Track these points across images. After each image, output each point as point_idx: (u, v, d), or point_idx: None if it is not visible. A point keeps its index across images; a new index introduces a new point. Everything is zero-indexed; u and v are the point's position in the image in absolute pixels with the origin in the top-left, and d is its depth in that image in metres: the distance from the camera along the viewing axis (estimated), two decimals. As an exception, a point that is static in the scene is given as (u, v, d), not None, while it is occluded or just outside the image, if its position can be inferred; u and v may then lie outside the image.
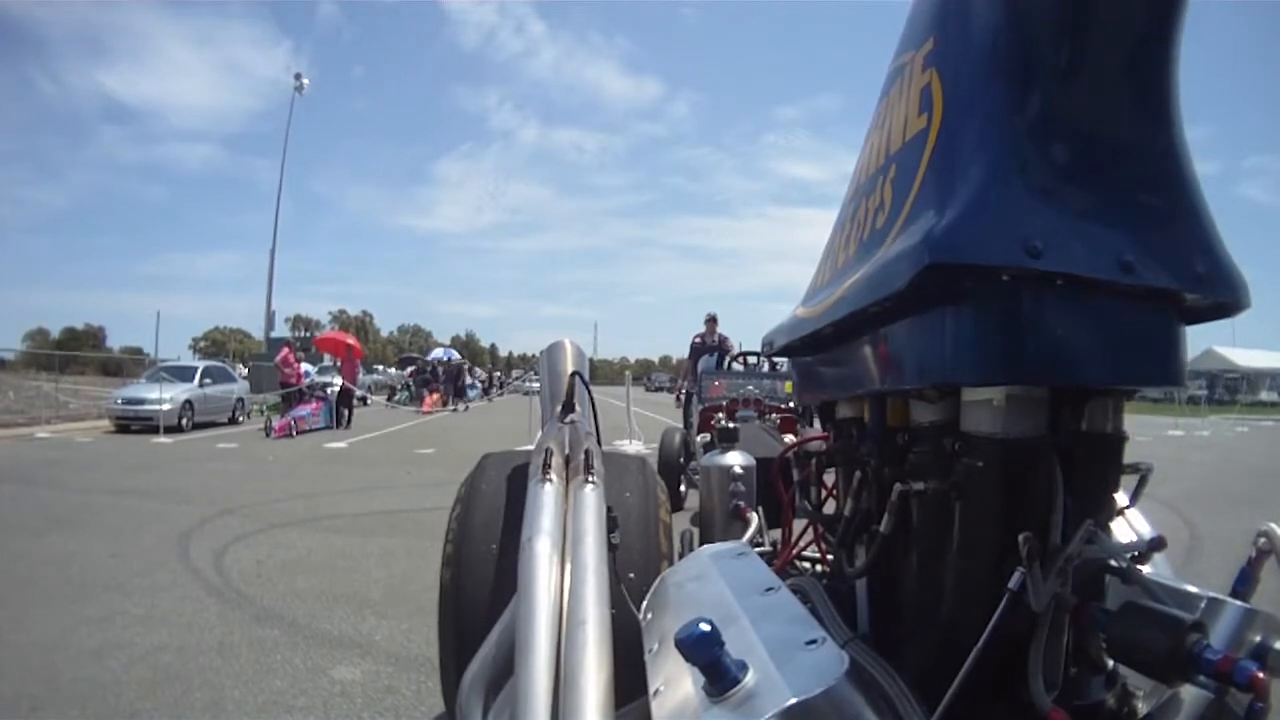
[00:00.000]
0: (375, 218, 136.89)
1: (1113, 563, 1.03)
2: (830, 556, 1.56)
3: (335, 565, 4.32)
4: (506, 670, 1.08)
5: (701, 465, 2.20)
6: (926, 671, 0.97)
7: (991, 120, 0.99)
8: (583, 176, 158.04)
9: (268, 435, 12.66)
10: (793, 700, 0.65)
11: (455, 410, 22.53)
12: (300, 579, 4.00)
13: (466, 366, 30.63)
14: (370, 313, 73.03)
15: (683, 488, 5.64)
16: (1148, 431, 14.74)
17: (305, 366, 16.00)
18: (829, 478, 1.63)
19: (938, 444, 1.09)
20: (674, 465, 5.72)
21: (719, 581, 1.03)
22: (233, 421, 15.56)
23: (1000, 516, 0.99)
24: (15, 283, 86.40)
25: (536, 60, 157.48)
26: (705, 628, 0.71)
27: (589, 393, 1.85)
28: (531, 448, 1.46)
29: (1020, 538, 0.92)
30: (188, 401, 13.96)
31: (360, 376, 22.44)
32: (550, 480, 1.28)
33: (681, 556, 1.62)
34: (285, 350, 15.90)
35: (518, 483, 1.47)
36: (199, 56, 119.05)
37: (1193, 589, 1.11)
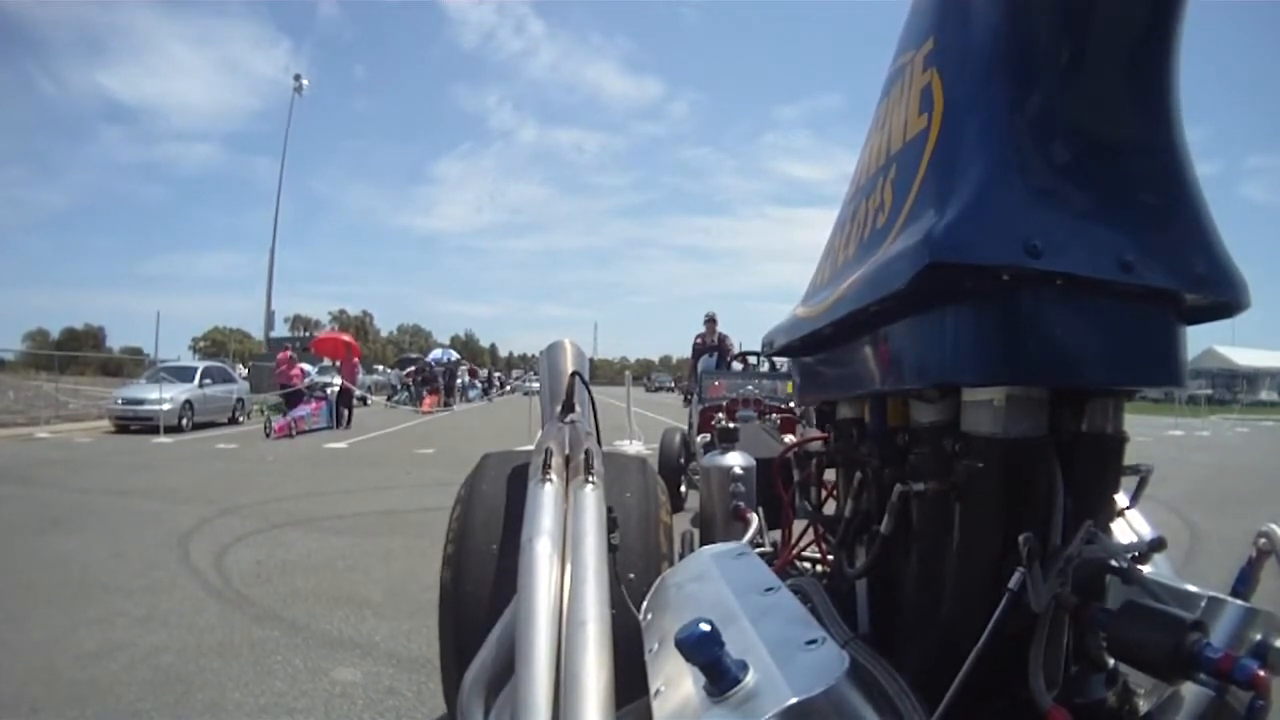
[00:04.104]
0: (375, 217, 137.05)
1: (1113, 563, 1.03)
2: (830, 557, 1.56)
3: (335, 565, 4.32)
4: (507, 671, 1.08)
5: (701, 465, 2.20)
6: (927, 671, 0.97)
7: (992, 120, 0.99)
8: (583, 176, 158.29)
9: (268, 435, 12.66)
10: (793, 700, 0.65)
11: (448, 404, 22.56)
12: (300, 579, 4.00)
13: (465, 367, 30.70)
14: (370, 313, 73.06)
15: (683, 488, 5.64)
16: (1148, 432, 14.74)
17: (304, 366, 16.05)
18: (829, 478, 1.63)
19: (938, 444, 1.09)
20: (674, 465, 5.72)
21: (719, 582, 1.03)
22: (233, 422, 15.57)
23: (1000, 517, 0.99)
24: (15, 283, 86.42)
25: (536, 60, 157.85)
26: (705, 628, 0.71)
27: (589, 393, 1.85)
28: (531, 448, 1.46)
29: (1020, 538, 0.92)
30: (188, 402, 13.98)
31: (360, 376, 22.46)
32: (550, 480, 1.28)
33: (682, 557, 1.62)
34: (287, 354, 16.00)
35: (518, 483, 1.47)
36: (199, 56, 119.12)
37: (1193, 589, 1.11)
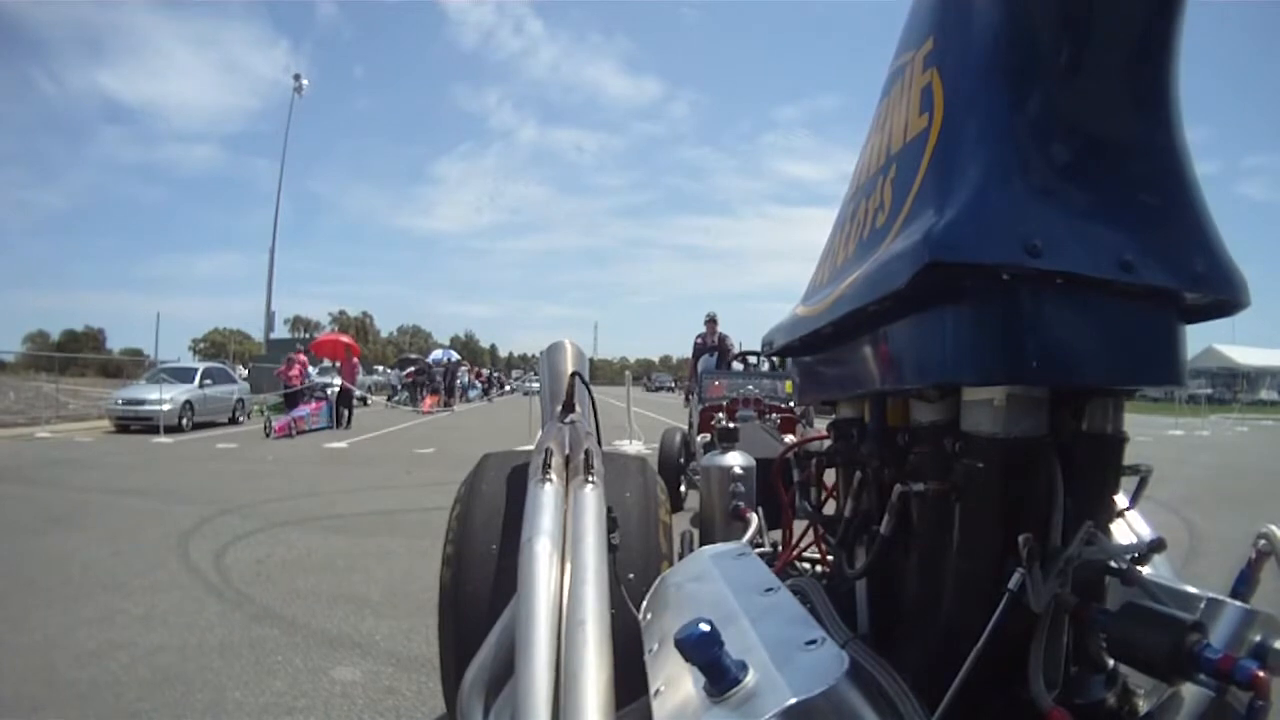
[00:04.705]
0: (375, 218, 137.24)
1: (1113, 564, 1.03)
2: (830, 557, 1.56)
3: (335, 565, 4.32)
4: (507, 671, 1.08)
5: (701, 465, 2.20)
6: (927, 671, 0.97)
7: (992, 120, 0.99)
8: (583, 176, 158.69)
9: (267, 436, 12.66)
10: (793, 700, 0.65)
11: (449, 405, 22.58)
12: (300, 579, 4.01)
13: (465, 367, 30.78)
14: (370, 313, 72.86)
15: (683, 488, 5.64)
16: (1148, 431, 14.74)
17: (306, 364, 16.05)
18: (829, 478, 1.63)
19: (938, 444, 1.09)
20: (674, 465, 5.72)
21: (719, 582, 1.03)
22: (233, 422, 15.57)
23: (1000, 517, 0.99)
24: (15, 284, 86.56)
25: (536, 60, 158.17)
26: (705, 628, 0.71)
27: (589, 393, 1.85)
28: (531, 448, 1.46)
29: (1020, 538, 0.92)
30: (188, 402, 13.98)
31: (360, 377, 22.48)
32: (550, 480, 1.28)
33: (681, 557, 1.61)
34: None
35: (518, 483, 1.47)
36: (198, 56, 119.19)
37: (1193, 590, 1.11)
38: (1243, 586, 1.17)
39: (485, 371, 41.55)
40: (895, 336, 1.13)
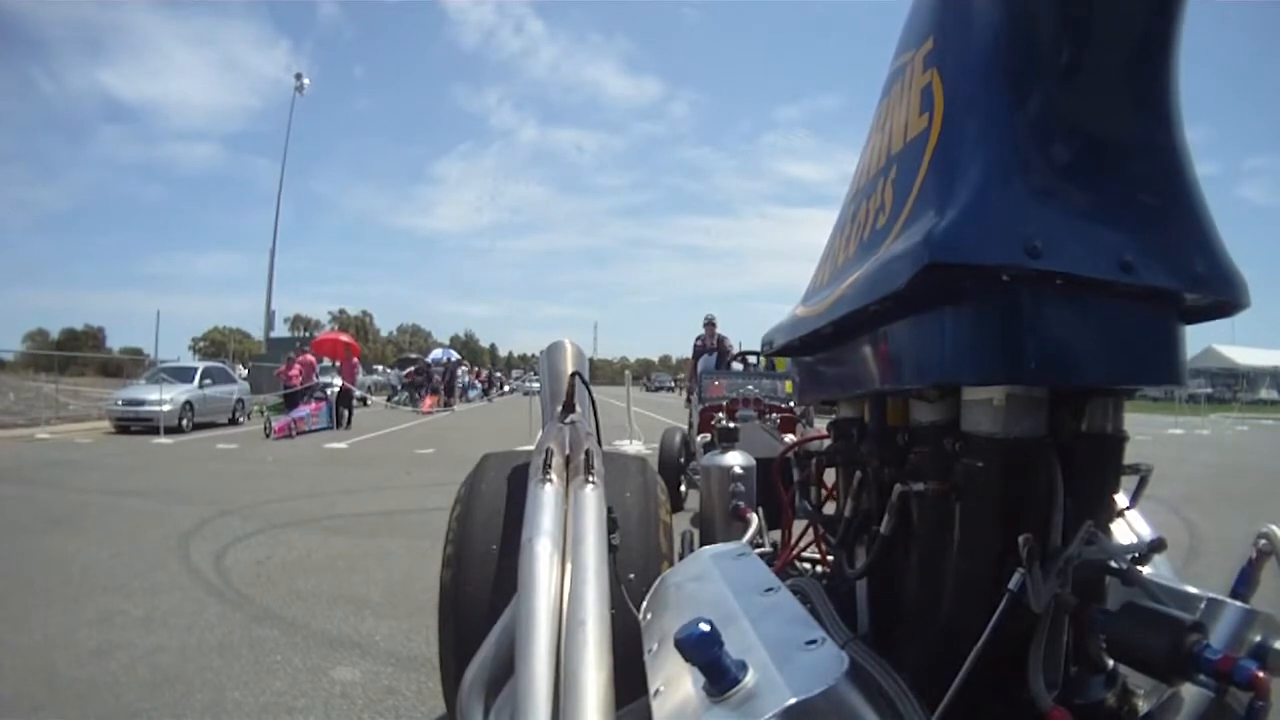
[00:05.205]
0: (375, 218, 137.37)
1: (1113, 563, 1.03)
2: (830, 557, 1.56)
3: (335, 566, 4.32)
4: (507, 671, 1.08)
5: (701, 465, 2.20)
6: (927, 671, 0.97)
7: (992, 120, 0.99)
8: (583, 176, 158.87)
9: (267, 436, 12.66)
10: (793, 700, 0.65)
11: (449, 405, 22.59)
12: (300, 579, 4.01)
13: (465, 367, 30.81)
14: (370, 313, 72.90)
15: (683, 488, 5.64)
16: (1148, 430, 14.75)
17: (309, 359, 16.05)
18: (829, 478, 1.63)
19: (938, 444, 1.09)
20: (674, 465, 5.72)
21: (719, 582, 1.03)
22: (233, 422, 15.57)
23: (1000, 517, 0.99)
24: (15, 283, 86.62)
25: (536, 60, 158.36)
26: (705, 628, 0.71)
27: (589, 393, 1.85)
28: (531, 448, 1.46)
29: (1020, 538, 0.92)
30: (188, 402, 13.98)
31: (360, 377, 22.49)
32: (550, 480, 1.28)
33: (682, 557, 1.62)
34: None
35: (518, 483, 1.47)
36: (199, 56, 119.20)
37: (1193, 590, 1.11)
38: (1243, 586, 1.17)
39: (485, 371, 41.63)
40: (895, 336, 1.13)
